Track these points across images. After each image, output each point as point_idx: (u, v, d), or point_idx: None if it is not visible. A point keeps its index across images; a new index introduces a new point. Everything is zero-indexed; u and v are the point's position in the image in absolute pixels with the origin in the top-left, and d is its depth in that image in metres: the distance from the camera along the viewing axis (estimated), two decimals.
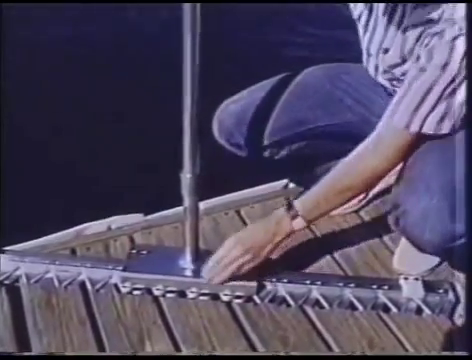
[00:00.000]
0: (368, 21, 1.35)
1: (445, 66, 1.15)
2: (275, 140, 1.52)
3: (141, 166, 2.14)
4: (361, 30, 1.38)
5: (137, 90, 2.48)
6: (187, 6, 1.13)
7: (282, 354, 1.15)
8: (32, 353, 1.16)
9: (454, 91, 1.17)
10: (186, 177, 1.34)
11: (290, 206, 1.34)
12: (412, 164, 1.29)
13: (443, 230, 1.22)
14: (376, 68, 1.36)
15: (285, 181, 1.76)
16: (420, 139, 1.26)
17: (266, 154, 1.56)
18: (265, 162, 1.60)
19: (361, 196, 1.63)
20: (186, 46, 1.18)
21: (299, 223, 1.34)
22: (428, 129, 1.22)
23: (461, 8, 1.14)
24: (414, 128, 1.22)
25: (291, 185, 1.77)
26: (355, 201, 1.63)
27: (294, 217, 1.34)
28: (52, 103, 2.24)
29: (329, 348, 1.29)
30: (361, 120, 1.47)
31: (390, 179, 1.60)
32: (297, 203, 1.34)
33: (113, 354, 1.15)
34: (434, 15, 1.17)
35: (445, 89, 1.17)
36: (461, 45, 1.13)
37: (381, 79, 1.40)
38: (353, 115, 1.49)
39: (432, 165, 1.25)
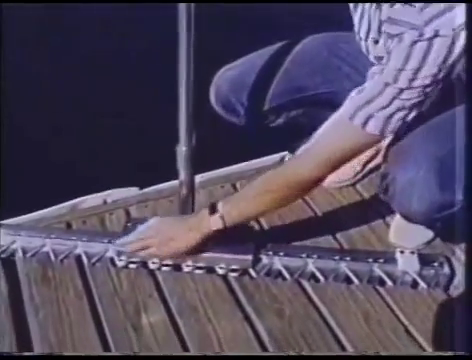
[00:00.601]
0: (356, 7, 1.31)
1: (400, 71, 1.11)
2: (272, 107, 1.50)
3: (136, 139, 2.13)
4: (352, 13, 1.35)
5: (132, 61, 2.45)
6: None
7: (284, 354, 1.16)
8: (32, 353, 1.15)
9: (409, 98, 1.14)
10: (181, 150, 1.33)
11: (213, 204, 1.33)
12: (400, 136, 1.28)
13: (431, 199, 1.21)
14: (367, 51, 1.34)
15: (282, 154, 1.75)
16: (363, 138, 1.22)
17: (263, 121, 1.54)
18: (262, 131, 1.59)
19: (357, 169, 1.62)
20: (181, 14, 1.16)
21: (216, 222, 1.32)
22: (373, 128, 1.19)
23: (430, 12, 1.07)
24: (358, 121, 1.19)
25: (288, 157, 1.75)
26: (351, 175, 1.62)
27: (213, 214, 1.32)
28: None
29: (325, 321, 1.29)
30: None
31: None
32: (221, 203, 1.33)
33: (116, 354, 1.16)
34: (399, 16, 1.12)
35: (398, 93, 1.14)
36: (419, 51, 1.09)
37: (373, 60, 1.39)
38: (351, 83, 1.46)
39: (420, 136, 1.23)
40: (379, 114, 1.17)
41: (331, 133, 1.26)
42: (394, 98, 1.15)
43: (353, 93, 1.21)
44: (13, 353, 1.14)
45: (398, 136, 1.28)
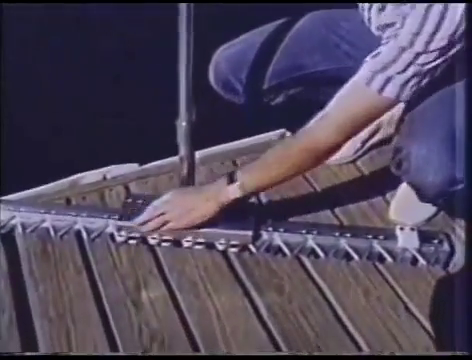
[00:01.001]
0: None
1: (416, 35, 1.10)
2: (271, 85, 1.48)
3: (136, 115, 2.11)
4: None
5: (133, 36, 2.43)
6: None
7: (286, 354, 1.15)
8: (33, 353, 1.14)
9: (425, 62, 1.12)
10: (181, 125, 1.31)
11: (232, 173, 1.32)
12: (413, 109, 1.26)
13: (446, 173, 1.19)
14: (369, 21, 1.32)
15: (282, 130, 1.73)
16: (380, 104, 1.20)
17: (262, 100, 1.52)
18: (261, 109, 1.57)
19: (357, 146, 1.61)
20: None
21: (235, 191, 1.31)
22: (389, 93, 1.17)
23: None
24: (374, 86, 1.17)
25: (288, 134, 1.73)
26: (351, 151, 1.61)
27: (231, 183, 1.31)
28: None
29: (324, 297, 1.29)
30: (358, 65, 1.38)
31: (389, 129, 1.60)
32: (239, 171, 1.32)
33: (118, 354, 1.15)
34: None
35: (414, 58, 1.12)
36: (435, 15, 1.07)
37: (374, 31, 1.37)
38: (351, 61, 1.43)
39: (434, 108, 1.22)
40: (396, 79, 1.15)
41: (347, 99, 1.24)
42: (410, 63, 1.13)
43: (368, 58, 1.19)
44: (13, 353, 1.14)
45: (411, 109, 1.27)
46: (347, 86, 1.23)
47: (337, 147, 1.27)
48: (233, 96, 1.51)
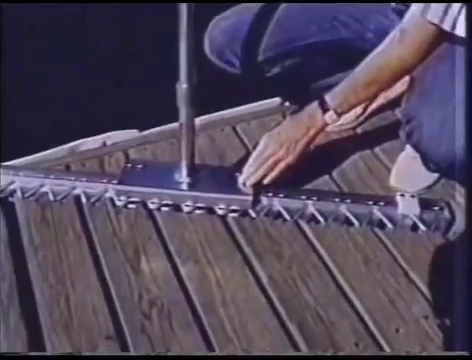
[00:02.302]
0: None
1: None
2: (267, 57, 1.46)
3: (136, 80, 2.06)
4: None
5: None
6: None
7: (289, 354, 1.12)
8: (35, 353, 1.11)
9: None
10: (182, 87, 1.27)
11: (322, 100, 1.32)
12: (423, 76, 1.24)
13: (460, 141, 1.15)
14: None
15: (279, 98, 1.69)
16: (441, 39, 1.19)
17: (258, 72, 1.50)
18: (258, 80, 1.54)
19: (358, 112, 1.57)
20: None
21: (331, 116, 1.32)
22: (460, 31, 1.13)
23: None
24: (446, 26, 1.14)
25: (287, 103, 1.70)
26: (352, 118, 1.57)
27: (326, 111, 1.32)
28: None
29: (324, 264, 1.26)
30: (356, 36, 1.42)
31: (389, 94, 1.56)
32: (328, 97, 1.32)
33: (119, 354, 1.12)
34: None
35: None
36: None
37: None
38: (347, 31, 1.42)
39: (445, 75, 1.18)
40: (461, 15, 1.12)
41: (415, 28, 1.21)
42: None
43: None
44: (14, 353, 1.10)
45: (420, 78, 1.25)
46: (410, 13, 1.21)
47: (416, 66, 1.26)
48: (229, 67, 1.50)
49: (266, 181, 1.36)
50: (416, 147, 1.30)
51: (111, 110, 1.90)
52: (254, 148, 1.39)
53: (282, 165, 1.35)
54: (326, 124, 1.34)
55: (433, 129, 1.20)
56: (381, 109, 1.61)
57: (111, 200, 1.38)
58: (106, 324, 1.14)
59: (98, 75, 2.07)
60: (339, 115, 1.33)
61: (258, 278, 1.23)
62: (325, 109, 1.32)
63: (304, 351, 1.11)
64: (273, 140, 1.35)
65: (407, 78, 1.39)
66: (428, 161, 1.29)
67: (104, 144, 1.56)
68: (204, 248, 1.29)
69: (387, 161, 1.50)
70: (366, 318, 1.17)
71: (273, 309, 1.18)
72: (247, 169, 1.37)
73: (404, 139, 1.31)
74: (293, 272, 1.24)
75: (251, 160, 1.37)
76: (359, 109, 1.57)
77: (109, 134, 1.57)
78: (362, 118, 1.60)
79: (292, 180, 1.42)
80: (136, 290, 1.20)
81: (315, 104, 1.33)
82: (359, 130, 1.61)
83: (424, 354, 1.11)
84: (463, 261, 0.97)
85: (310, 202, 1.37)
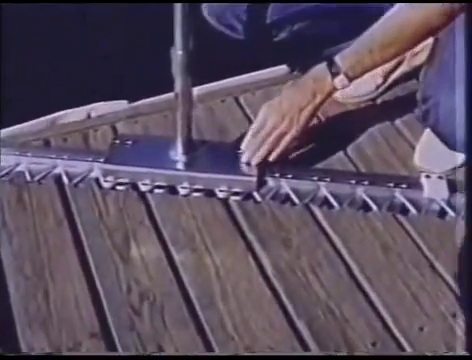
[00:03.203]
0: None
1: None
2: (274, 20, 1.48)
3: (126, 44, 2.08)
4: None
5: None
6: None
7: (291, 354, 1.13)
8: (32, 353, 1.12)
9: None
10: (177, 54, 1.28)
11: (331, 62, 1.32)
12: (441, 49, 1.25)
13: None
14: None
15: (284, 66, 1.70)
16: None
17: (264, 36, 1.52)
18: (263, 45, 1.56)
19: (378, 81, 1.58)
20: None
21: (342, 81, 1.32)
22: None
23: None
24: None
25: (295, 71, 1.71)
26: (372, 87, 1.58)
27: (336, 74, 1.31)
28: None
29: (337, 252, 1.27)
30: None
31: (413, 61, 1.57)
32: (338, 59, 1.32)
33: (121, 354, 1.13)
34: None
35: None
36: None
37: None
38: None
39: (462, 56, 1.18)
40: None
41: None
42: None
43: None
44: (14, 353, 1.11)
45: (441, 47, 1.26)
46: None
47: (443, 28, 1.27)
48: (229, 31, 1.51)
49: (271, 158, 1.37)
50: (433, 129, 1.31)
51: (97, 77, 1.91)
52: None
53: (287, 139, 1.35)
54: (335, 89, 1.34)
55: (452, 110, 1.19)
56: (404, 78, 1.60)
57: (97, 181, 1.38)
58: (90, 320, 1.15)
59: (83, 38, 2.09)
60: (351, 80, 1.32)
61: (263, 268, 1.24)
62: (335, 72, 1.31)
63: (314, 351, 1.12)
64: (274, 110, 1.35)
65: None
66: (445, 143, 1.29)
67: (88, 116, 1.57)
68: (202, 234, 1.29)
69: (411, 137, 1.50)
70: (385, 314, 1.17)
71: (279, 303, 1.18)
72: (248, 146, 1.37)
73: (420, 119, 1.32)
74: (302, 262, 1.25)
75: (250, 135, 1.37)
76: (379, 78, 1.58)
77: (94, 105, 1.57)
78: (383, 88, 1.60)
79: (301, 158, 1.43)
80: (124, 281, 1.20)
81: (323, 66, 1.32)
82: (379, 101, 1.61)
83: (424, 354, 1.12)
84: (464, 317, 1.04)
85: (322, 184, 1.38)
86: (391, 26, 1.28)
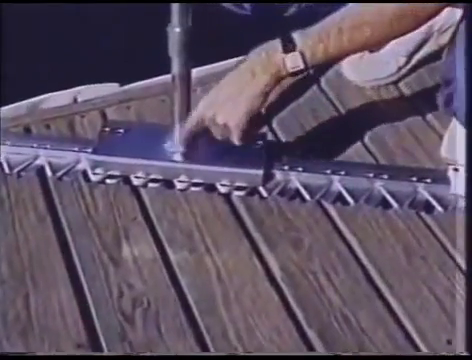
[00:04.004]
0: None
1: None
2: None
3: (117, 21, 2.10)
4: None
5: None
6: None
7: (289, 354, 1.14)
8: (32, 353, 1.13)
9: None
10: (174, 32, 1.29)
11: (287, 37, 1.24)
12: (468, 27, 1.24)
13: None
14: None
15: None
16: None
17: (271, 12, 1.52)
18: (270, 22, 1.55)
19: (401, 61, 1.58)
20: None
21: (295, 60, 1.23)
22: None
23: None
24: None
25: None
26: (393, 69, 1.59)
27: (288, 50, 1.23)
28: None
29: (353, 254, 1.27)
30: None
31: (440, 39, 1.58)
32: (297, 34, 1.24)
33: (122, 354, 1.14)
34: None
35: None
36: None
37: None
38: None
39: None
40: None
41: None
42: None
43: None
44: (13, 353, 1.12)
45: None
46: None
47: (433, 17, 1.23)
48: (234, 6, 1.52)
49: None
50: (455, 115, 1.31)
51: (84, 57, 1.91)
52: None
53: (224, 133, 1.31)
54: (286, 72, 1.25)
55: None
56: (430, 58, 1.61)
57: (84, 173, 1.39)
58: (76, 329, 1.15)
59: (69, 11, 2.10)
60: (307, 63, 1.24)
61: (269, 271, 1.24)
62: (288, 48, 1.24)
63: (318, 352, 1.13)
64: (208, 104, 1.31)
65: None
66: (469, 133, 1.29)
67: (75, 100, 1.58)
68: (202, 233, 1.30)
69: (437, 125, 1.51)
70: (407, 324, 1.18)
71: (288, 310, 1.18)
72: (178, 138, 1.36)
73: (442, 104, 1.32)
74: (314, 264, 1.25)
75: (186, 125, 1.35)
76: (402, 58, 1.59)
77: (81, 88, 1.58)
78: (406, 70, 1.61)
79: (313, 148, 1.44)
80: (115, 285, 1.21)
81: (276, 41, 1.25)
82: (402, 85, 1.62)
83: (424, 354, 1.14)
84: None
85: (336, 177, 1.38)
86: (370, 5, 1.22)
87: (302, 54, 1.23)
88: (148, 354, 1.12)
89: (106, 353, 1.13)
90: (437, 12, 1.21)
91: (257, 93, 1.27)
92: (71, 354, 1.11)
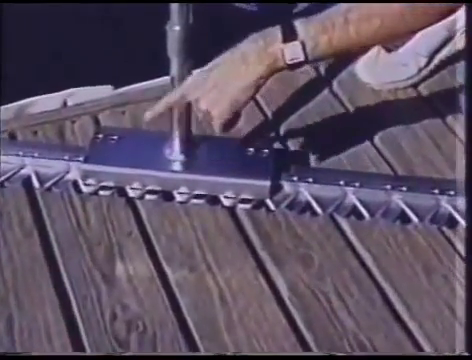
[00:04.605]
0: None
1: None
2: None
3: (112, 20, 2.12)
4: None
5: None
6: None
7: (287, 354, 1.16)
8: (32, 353, 1.15)
9: None
10: (174, 30, 1.30)
11: (288, 24, 1.23)
12: None
13: None
14: None
15: None
16: None
17: (280, 7, 1.56)
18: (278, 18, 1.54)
19: (422, 62, 1.59)
20: None
21: (294, 50, 1.22)
22: None
23: None
24: None
25: None
26: (413, 71, 1.59)
27: (289, 40, 1.22)
28: None
29: (368, 273, 1.27)
30: None
31: (464, 40, 1.56)
32: (299, 22, 1.23)
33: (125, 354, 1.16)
34: None
35: None
36: None
37: None
38: None
39: None
40: None
41: None
42: None
43: None
44: (13, 353, 1.14)
45: None
46: None
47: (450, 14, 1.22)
48: (240, 2, 1.58)
49: None
50: None
51: (76, 56, 1.92)
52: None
53: (216, 122, 1.30)
54: (283, 63, 1.24)
55: None
56: (453, 59, 1.62)
57: (74, 184, 1.40)
58: (65, 354, 1.15)
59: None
60: (307, 55, 1.23)
61: (277, 292, 1.24)
62: (288, 37, 1.22)
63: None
64: (194, 84, 1.30)
65: None
66: None
67: (65, 104, 1.59)
68: (203, 249, 1.30)
69: (461, 132, 1.50)
70: (428, 349, 1.17)
71: (297, 334, 1.18)
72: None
73: (462, 108, 1.31)
74: (325, 284, 1.25)
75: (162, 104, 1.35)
76: (422, 58, 1.59)
77: (72, 90, 1.59)
78: (426, 71, 1.62)
79: (325, 156, 1.44)
80: (108, 307, 1.21)
81: (276, 27, 1.24)
82: (422, 87, 1.62)
83: (424, 354, 1.16)
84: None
85: (350, 189, 1.39)
86: (364, 8, 1.21)
87: (303, 44, 1.22)
88: (147, 354, 1.14)
89: (111, 353, 1.14)
90: (450, 11, 1.21)
91: (247, 85, 1.27)
92: (71, 354, 1.13)
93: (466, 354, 1.07)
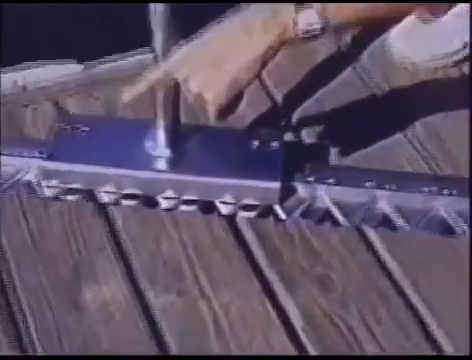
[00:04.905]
0: None
1: None
2: None
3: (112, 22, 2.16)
4: None
5: None
6: None
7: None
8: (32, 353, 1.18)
9: None
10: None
11: None
12: None
13: None
14: None
15: None
16: None
17: None
18: None
19: (467, 36, 1.60)
20: None
21: (310, 18, 1.22)
22: None
23: None
24: None
25: None
26: (457, 45, 1.62)
27: (303, 7, 1.21)
28: None
29: (403, 297, 1.28)
30: None
31: None
32: None
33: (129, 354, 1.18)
34: None
35: None
36: None
37: None
38: None
39: None
40: None
41: None
42: None
43: None
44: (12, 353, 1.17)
45: None
46: None
47: None
48: None
49: None
50: None
51: (76, 56, 1.94)
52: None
53: (210, 107, 1.29)
54: (293, 31, 1.24)
55: None
56: None
57: (33, 186, 1.41)
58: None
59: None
60: (324, 25, 1.23)
61: (288, 320, 1.25)
62: (302, 5, 1.22)
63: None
64: (183, 58, 1.30)
65: None
66: None
67: (24, 88, 1.60)
68: (194, 269, 1.31)
69: None
70: None
71: None
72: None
73: None
74: (348, 311, 1.26)
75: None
76: (466, 34, 1.60)
77: (30, 71, 1.61)
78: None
79: (349, 152, 1.47)
80: (75, 340, 1.21)
81: None
82: (466, 68, 1.64)
83: (423, 354, 1.20)
84: None
85: (381, 193, 1.40)
86: None
87: (320, 12, 1.23)
88: (149, 354, 1.18)
89: (113, 353, 1.17)
90: None
91: (250, 60, 1.26)
92: (71, 354, 1.16)
93: (466, 354, 1.17)
